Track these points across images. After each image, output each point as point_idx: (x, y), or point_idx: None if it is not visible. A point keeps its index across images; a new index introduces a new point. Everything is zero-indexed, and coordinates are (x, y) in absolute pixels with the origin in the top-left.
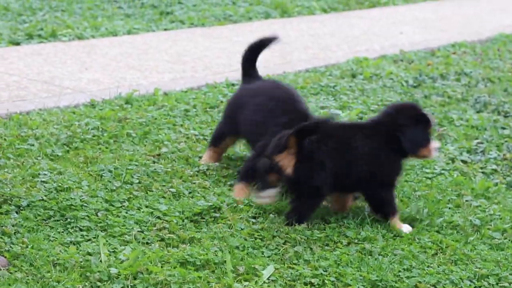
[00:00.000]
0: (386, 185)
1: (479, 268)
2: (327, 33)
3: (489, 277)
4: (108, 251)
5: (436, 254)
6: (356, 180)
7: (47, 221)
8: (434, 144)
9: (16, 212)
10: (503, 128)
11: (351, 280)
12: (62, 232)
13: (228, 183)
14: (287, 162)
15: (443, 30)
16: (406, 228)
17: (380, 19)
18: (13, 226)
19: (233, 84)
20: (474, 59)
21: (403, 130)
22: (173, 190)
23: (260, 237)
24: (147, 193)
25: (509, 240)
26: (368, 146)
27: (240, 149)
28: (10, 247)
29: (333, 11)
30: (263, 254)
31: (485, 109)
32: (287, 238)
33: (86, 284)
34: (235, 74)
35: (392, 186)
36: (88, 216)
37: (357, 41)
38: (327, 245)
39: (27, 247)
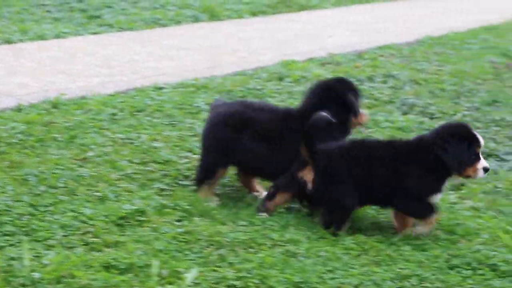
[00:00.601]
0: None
1: (402, 268)
2: (256, 37)
3: (412, 277)
4: (32, 255)
5: (360, 255)
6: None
7: None
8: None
9: None
10: (429, 130)
11: (274, 282)
12: None
13: (154, 186)
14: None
15: (371, 33)
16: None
17: (309, 23)
18: None
19: (161, 88)
20: (401, 61)
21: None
22: (98, 194)
23: (185, 240)
24: (72, 197)
25: (432, 241)
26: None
27: (166, 152)
28: None
29: (262, 14)
30: (187, 257)
31: (411, 111)
32: (211, 241)
33: None
34: (164, 77)
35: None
36: (12, 221)
37: (286, 44)
38: (251, 247)
39: None
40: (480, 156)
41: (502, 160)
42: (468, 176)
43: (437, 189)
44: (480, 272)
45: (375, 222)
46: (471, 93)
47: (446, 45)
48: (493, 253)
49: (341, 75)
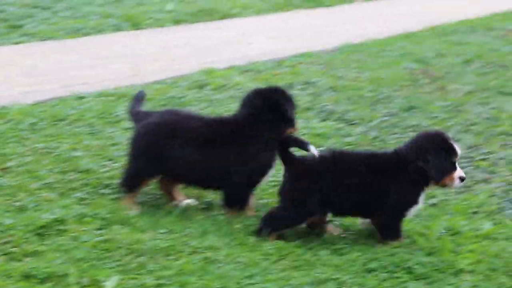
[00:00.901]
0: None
1: (320, 273)
2: (177, 45)
3: (329, 281)
4: None
5: (278, 260)
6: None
7: None
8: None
9: None
10: (347, 136)
11: None
12: None
13: (74, 195)
14: None
15: (292, 40)
16: None
17: (230, 30)
18: None
19: (82, 97)
20: (320, 68)
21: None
22: (18, 203)
23: (105, 248)
24: None
25: (350, 245)
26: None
27: (86, 161)
28: None
29: (184, 23)
30: (107, 265)
31: (330, 117)
32: (131, 249)
33: None
34: (85, 87)
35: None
36: None
37: (207, 52)
38: (171, 254)
39: None
40: (457, 165)
41: None
42: (445, 186)
43: (415, 201)
44: (397, 275)
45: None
46: (389, 99)
47: (365, 52)
48: (409, 256)
49: (261, 82)
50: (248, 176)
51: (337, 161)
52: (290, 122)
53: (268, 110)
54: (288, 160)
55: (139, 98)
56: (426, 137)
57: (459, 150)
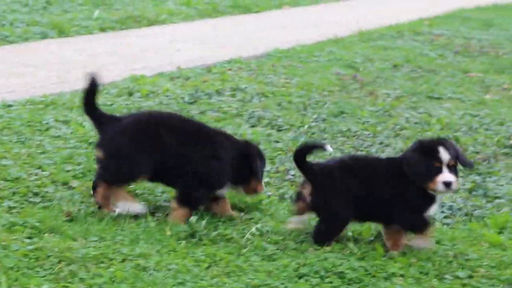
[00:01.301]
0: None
1: (251, 279)
2: (105, 52)
3: (261, 287)
4: None
5: (210, 267)
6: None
7: None
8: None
9: None
10: (276, 142)
11: None
12: None
13: (3, 204)
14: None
15: (220, 47)
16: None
17: (158, 37)
18: None
19: (9, 105)
20: (249, 74)
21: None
22: None
23: (35, 257)
24: None
25: (281, 250)
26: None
27: (15, 170)
28: None
29: (112, 30)
30: (38, 274)
31: (259, 123)
32: (62, 257)
33: None
34: (12, 95)
35: None
36: None
37: (135, 59)
38: (102, 262)
39: None
40: (443, 170)
41: None
42: (432, 190)
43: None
44: (328, 280)
45: (223, 234)
46: (318, 105)
47: (294, 58)
48: (341, 261)
49: (190, 88)
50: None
51: (358, 166)
52: (258, 180)
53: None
54: (310, 171)
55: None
56: (417, 142)
57: (443, 156)
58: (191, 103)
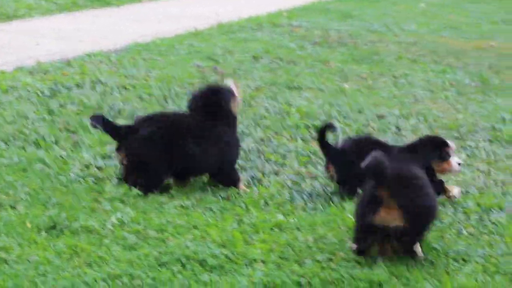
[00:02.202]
0: None
1: (113, 268)
2: None
3: (123, 276)
4: None
5: (71, 258)
6: None
7: None
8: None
9: None
10: None
11: None
12: None
13: None
14: None
15: (80, 40)
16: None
17: (17, 32)
18: None
19: None
20: (109, 67)
21: None
22: None
23: None
24: None
25: (142, 240)
26: None
27: None
28: None
29: None
30: None
31: (119, 115)
32: None
33: None
34: None
35: None
36: None
37: None
38: None
39: None
40: None
41: None
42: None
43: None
44: (190, 267)
45: (84, 226)
46: (178, 97)
47: (154, 51)
48: (202, 248)
49: (49, 82)
50: None
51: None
52: None
53: None
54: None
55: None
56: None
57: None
58: (50, 97)
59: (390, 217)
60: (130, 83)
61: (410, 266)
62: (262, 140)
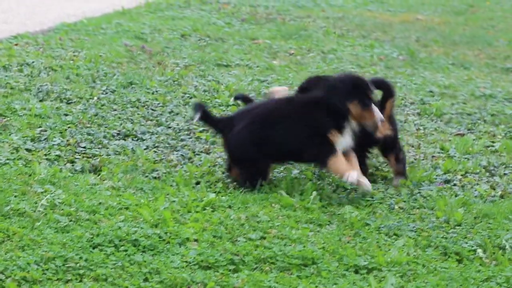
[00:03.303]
0: None
1: (46, 251)
2: None
3: (56, 259)
4: None
5: (3, 241)
6: None
7: None
8: None
9: None
10: (66, 115)
11: None
12: None
13: None
14: None
15: (5, 22)
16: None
17: None
18: None
19: None
20: (36, 49)
21: None
22: None
23: None
24: None
25: (74, 222)
26: None
27: None
28: None
29: None
30: None
31: (48, 97)
32: None
33: None
34: None
35: None
36: None
37: None
38: None
39: None
40: None
41: (140, 139)
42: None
43: None
44: (123, 248)
45: (16, 209)
46: (107, 77)
47: (81, 31)
48: (134, 229)
49: None
50: None
51: None
52: None
53: None
54: None
55: None
56: None
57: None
58: None
59: None
60: (58, 64)
61: (343, 242)
62: (192, 119)
